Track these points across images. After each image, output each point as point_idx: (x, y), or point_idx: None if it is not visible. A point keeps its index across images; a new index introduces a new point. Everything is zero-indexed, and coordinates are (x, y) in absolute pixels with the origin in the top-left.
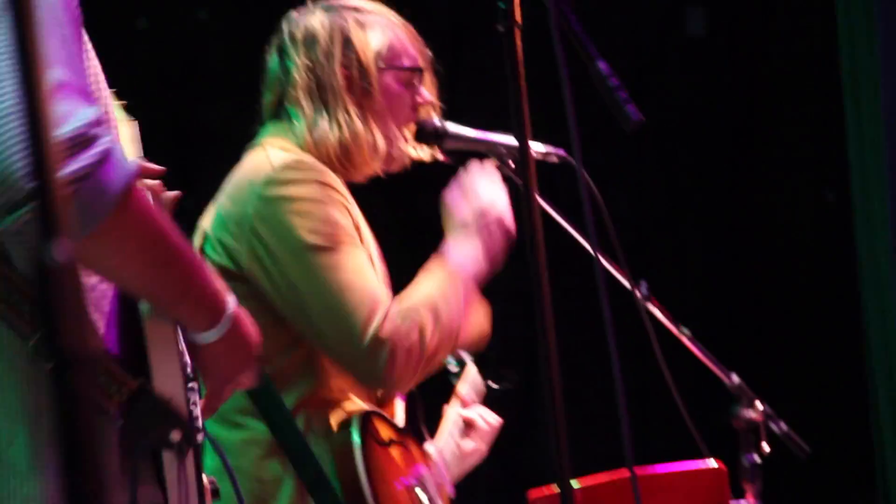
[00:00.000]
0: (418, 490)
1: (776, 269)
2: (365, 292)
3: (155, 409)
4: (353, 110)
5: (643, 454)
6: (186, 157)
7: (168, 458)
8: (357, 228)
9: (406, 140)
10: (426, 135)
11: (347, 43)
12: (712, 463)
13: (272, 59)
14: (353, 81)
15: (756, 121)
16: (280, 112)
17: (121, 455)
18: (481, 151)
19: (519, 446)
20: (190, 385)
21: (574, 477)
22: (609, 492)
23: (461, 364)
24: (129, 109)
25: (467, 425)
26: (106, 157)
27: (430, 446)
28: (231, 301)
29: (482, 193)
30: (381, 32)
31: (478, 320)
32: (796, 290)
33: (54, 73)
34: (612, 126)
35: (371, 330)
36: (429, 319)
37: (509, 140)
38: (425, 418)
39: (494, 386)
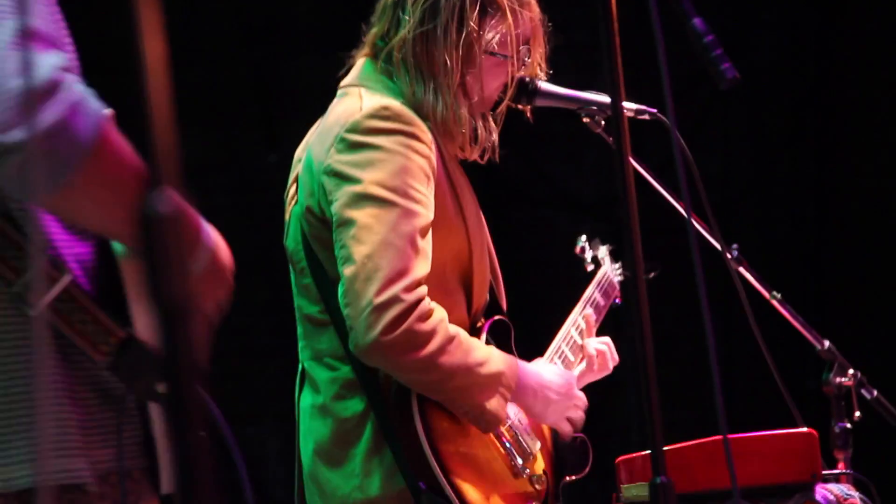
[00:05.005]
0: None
1: (867, 232)
2: (401, 257)
3: (142, 359)
4: (460, 94)
5: (731, 420)
6: (270, 112)
7: (156, 411)
8: (445, 186)
9: (497, 124)
10: (517, 91)
11: (464, 25)
12: (803, 429)
13: None
14: (461, 64)
15: (848, 81)
16: (381, 54)
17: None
18: (572, 109)
19: (602, 412)
20: None
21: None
22: (699, 455)
23: (596, 263)
24: (213, 65)
25: (577, 349)
26: (76, 106)
27: None
28: (207, 230)
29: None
30: (500, 19)
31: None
32: (888, 255)
33: (24, 20)
34: (698, 85)
35: (387, 293)
36: (458, 353)
37: (600, 97)
38: (526, 357)
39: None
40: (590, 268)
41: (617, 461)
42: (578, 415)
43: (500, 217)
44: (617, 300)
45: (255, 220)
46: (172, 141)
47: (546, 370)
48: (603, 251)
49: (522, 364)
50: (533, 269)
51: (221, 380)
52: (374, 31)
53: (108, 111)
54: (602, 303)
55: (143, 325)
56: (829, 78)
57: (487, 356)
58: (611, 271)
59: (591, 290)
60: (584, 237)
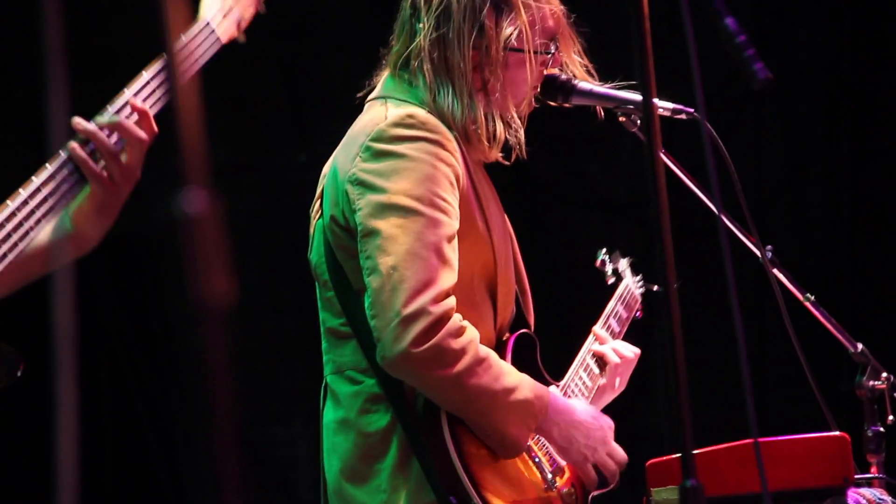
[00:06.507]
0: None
1: None
2: (426, 268)
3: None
4: (476, 95)
5: (762, 423)
6: (300, 111)
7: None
8: (470, 196)
9: (523, 122)
10: (553, 89)
11: (480, 28)
12: (835, 433)
13: (405, 9)
14: (479, 65)
15: (883, 80)
16: (404, 68)
17: None
18: (609, 108)
19: (632, 415)
20: None
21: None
22: (729, 458)
23: (617, 276)
24: (243, 64)
25: (600, 360)
26: None
27: (553, 389)
28: None
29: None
30: (515, 14)
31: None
32: None
33: None
34: (731, 85)
35: (414, 304)
36: (486, 377)
37: (637, 97)
38: (557, 358)
39: (656, 289)
40: (611, 281)
41: (647, 464)
42: (609, 465)
43: (532, 217)
44: (638, 314)
45: (285, 220)
46: (201, 140)
47: (580, 408)
48: (623, 264)
49: (554, 397)
50: (564, 269)
51: (251, 381)
52: (394, 50)
53: None
54: (625, 315)
55: None
56: (863, 77)
57: (517, 383)
58: (632, 284)
59: (614, 304)
60: (604, 250)
